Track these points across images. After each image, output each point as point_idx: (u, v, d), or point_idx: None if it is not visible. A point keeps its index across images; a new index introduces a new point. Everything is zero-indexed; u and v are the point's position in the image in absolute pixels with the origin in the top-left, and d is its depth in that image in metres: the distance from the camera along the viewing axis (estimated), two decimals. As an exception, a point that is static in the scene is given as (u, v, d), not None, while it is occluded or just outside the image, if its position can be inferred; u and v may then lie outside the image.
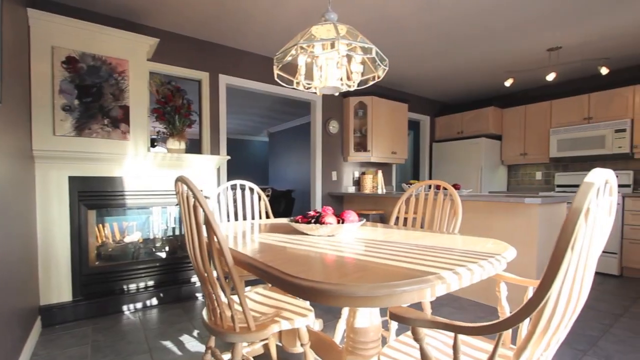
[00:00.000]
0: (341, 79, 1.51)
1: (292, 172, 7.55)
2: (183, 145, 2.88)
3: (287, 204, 5.63)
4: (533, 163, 4.80)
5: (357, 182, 4.58)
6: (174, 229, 3.10)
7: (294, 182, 7.39)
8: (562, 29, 3.01)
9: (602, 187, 0.77)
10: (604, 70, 3.24)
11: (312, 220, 1.30)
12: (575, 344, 2.09)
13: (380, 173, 4.47)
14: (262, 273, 0.96)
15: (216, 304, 1.21)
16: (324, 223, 1.25)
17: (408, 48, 3.48)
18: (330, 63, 1.43)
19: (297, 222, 1.36)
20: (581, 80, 4.38)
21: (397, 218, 2.43)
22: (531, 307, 0.67)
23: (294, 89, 1.87)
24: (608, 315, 2.55)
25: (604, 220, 0.83)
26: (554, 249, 0.66)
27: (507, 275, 1.20)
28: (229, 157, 3.27)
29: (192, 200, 1.15)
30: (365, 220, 1.56)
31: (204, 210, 1.10)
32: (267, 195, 5.62)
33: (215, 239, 1.10)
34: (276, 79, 1.61)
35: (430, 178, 5.45)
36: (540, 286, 0.67)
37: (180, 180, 1.20)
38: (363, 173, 4.64)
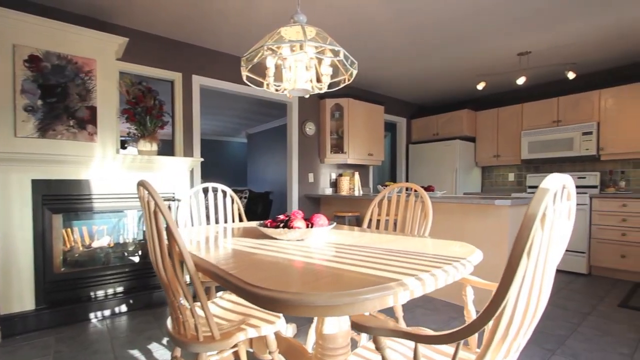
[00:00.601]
0: (310, 81, 1.50)
1: (271, 174, 7.48)
2: (155, 147, 2.79)
3: (265, 206, 5.57)
4: (506, 165, 4.94)
5: (334, 184, 4.58)
6: (144, 232, 3.00)
7: (272, 184, 7.32)
8: (531, 35, 3.11)
9: (559, 192, 0.77)
10: (571, 75, 3.37)
11: (281, 225, 1.27)
12: (544, 344, 2.15)
13: (357, 175, 4.49)
14: (223, 281, 0.93)
15: (179, 312, 1.16)
16: (292, 227, 1.23)
17: (383, 51, 3.51)
18: (299, 65, 1.41)
19: (265, 226, 1.33)
20: (550, 85, 4.55)
21: (370, 221, 2.43)
22: (488, 314, 0.67)
23: (266, 90, 1.83)
24: (577, 314, 2.65)
25: (563, 225, 0.85)
26: (509, 255, 0.66)
27: (473, 279, 1.21)
28: (202, 159, 3.20)
29: (152, 204, 1.11)
30: (335, 223, 1.55)
31: (163, 216, 1.06)
32: (244, 198, 5.54)
33: (177, 246, 1.06)
34: (245, 80, 1.57)
35: (407, 179, 5.53)
36: (497, 293, 0.67)
37: (141, 184, 1.15)
38: (340, 175, 4.64)
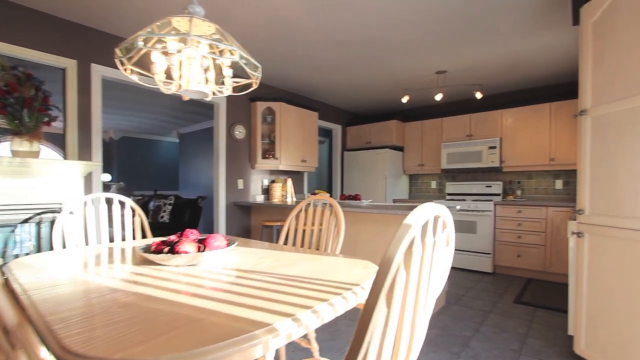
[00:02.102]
0: (207, 82, 1.38)
1: (204, 178, 7.07)
2: (36, 147, 2.31)
3: (193, 214, 5.21)
4: (429, 173, 5.31)
5: (266, 191, 4.47)
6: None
7: (206, 188, 6.91)
8: (445, 55, 3.37)
9: (431, 223, 0.76)
10: (479, 95, 3.75)
11: (165, 250, 1.13)
12: (452, 347, 2.30)
13: (289, 182, 4.43)
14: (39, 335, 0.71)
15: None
16: (178, 252, 1.09)
17: (313, 59, 3.52)
18: (193, 63, 1.28)
19: (150, 250, 1.17)
20: (465, 102, 5.01)
21: (288, 234, 2.36)
22: None
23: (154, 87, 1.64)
24: (480, 313, 2.91)
25: (440, 256, 0.83)
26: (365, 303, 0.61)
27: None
28: (99, 164, 2.79)
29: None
30: (237, 242, 1.44)
31: None
32: (169, 204, 5.12)
33: None
34: (124, 72, 1.38)
35: (342, 186, 5.64)
36: (351, 347, 0.62)
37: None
38: (273, 181, 4.55)
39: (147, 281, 1.05)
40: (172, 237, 1.22)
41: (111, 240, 4.63)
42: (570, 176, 4.15)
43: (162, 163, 8.97)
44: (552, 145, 3.98)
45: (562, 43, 3.07)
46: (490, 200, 4.28)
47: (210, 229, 6.14)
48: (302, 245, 2.07)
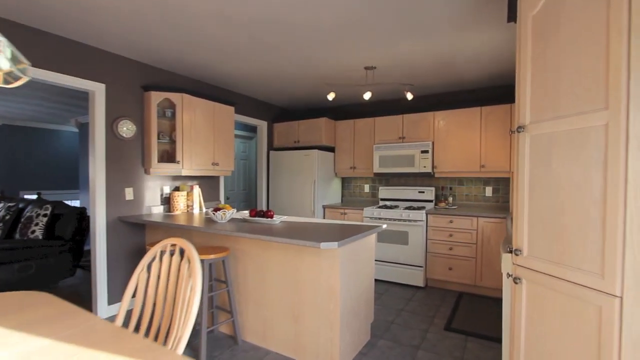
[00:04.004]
0: None
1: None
2: None
3: (79, 229, 4.17)
4: (362, 177, 4.92)
5: (168, 201, 3.66)
6: None
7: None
8: (374, 50, 2.89)
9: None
10: (409, 96, 3.36)
11: None
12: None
13: (196, 189, 3.67)
14: None
15: None
16: None
17: (222, 43, 2.79)
18: None
19: None
20: (398, 102, 4.66)
21: (136, 293, 1.68)
22: None
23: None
24: (408, 350, 2.52)
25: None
26: None
27: None
28: None
29: None
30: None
31: None
32: (44, 215, 4.01)
33: None
34: None
35: (268, 190, 5.00)
36: None
37: None
38: (177, 188, 3.75)
39: None
40: None
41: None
42: (499, 183, 4.02)
43: (60, 157, 7.47)
44: (483, 151, 3.77)
45: (497, 43, 2.76)
46: (423, 209, 3.99)
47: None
48: (150, 320, 1.40)
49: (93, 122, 3.04)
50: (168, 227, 3.17)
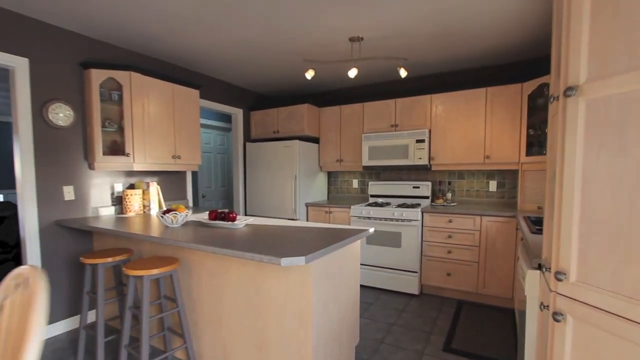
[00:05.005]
0: None
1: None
2: None
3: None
4: (350, 171, 4.42)
5: (120, 201, 3.11)
6: None
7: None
8: (359, 15, 2.36)
9: None
10: (403, 72, 2.85)
11: None
12: None
13: (154, 186, 3.13)
14: None
15: None
16: None
17: (169, 9, 2.24)
18: None
19: None
20: (389, 84, 4.14)
21: None
22: None
23: None
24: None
25: None
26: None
27: None
28: None
29: None
30: None
31: None
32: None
33: None
34: None
35: (245, 187, 4.47)
36: None
37: None
38: (131, 186, 3.20)
39: None
40: None
41: None
42: (505, 176, 3.54)
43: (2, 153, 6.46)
44: (488, 139, 3.29)
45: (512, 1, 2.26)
46: (418, 206, 3.51)
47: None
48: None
49: (15, 106, 2.48)
50: (107, 233, 2.64)
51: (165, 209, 2.60)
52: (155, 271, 1.93)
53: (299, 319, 1.73)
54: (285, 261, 1.42)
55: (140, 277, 1.95)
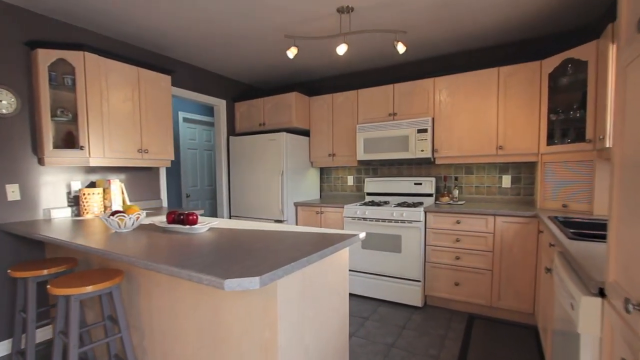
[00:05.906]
0: None
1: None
2: None
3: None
4: (344, 166, 4.00)
5: (77, 201, 2.72)
6: None
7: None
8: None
9: None
10: (401, 48, 2.42)
11: None
12: None
13: (116, 184, 2.73)
14: None
15: None
16: None
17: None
18: None
19: None
20: (385, 70, 3.71)
21: None
22: None
23: None
24: None
25: None
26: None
27: None
28: None
29: None
30: None
31: None
32: None
33: None
34: None
35: (229, 183, 4.07)
36: None
37: None
38: (92, 184, 2.81)
39: None
40: None
41: None
42: (521, 170, 3.10)
43: None
44: (501, 127, 2.85)
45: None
46: (420, 205, 3.08)
47: None
48: None
49: (-60, 90, 2.09)
50: (44, 240, 2.24)
51: (114, 210, 2.20)
52: (88, 288, 1.53)
53: (263, 353, 1.32)
54: (230, 284, 1.00)
55: (67, 296, 1.55)
